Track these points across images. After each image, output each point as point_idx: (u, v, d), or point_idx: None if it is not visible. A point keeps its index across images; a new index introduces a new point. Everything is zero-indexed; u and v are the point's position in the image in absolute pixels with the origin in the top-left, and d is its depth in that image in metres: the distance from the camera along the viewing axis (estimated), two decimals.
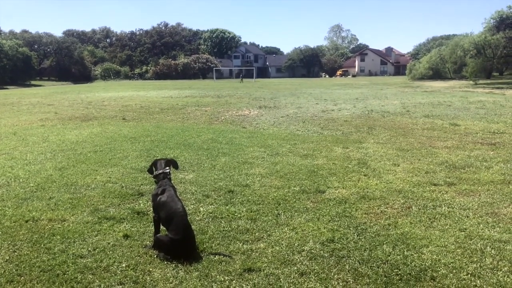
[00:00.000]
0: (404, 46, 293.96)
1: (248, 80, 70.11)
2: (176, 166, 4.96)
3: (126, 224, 5.11)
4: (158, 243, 4.30)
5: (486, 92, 28.84)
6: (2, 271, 3.99)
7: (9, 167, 8.04)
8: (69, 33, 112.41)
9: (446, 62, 53.95)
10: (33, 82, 71.57)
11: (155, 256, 4.23)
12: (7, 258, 4.25)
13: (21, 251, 4.41)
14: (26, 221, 5.20)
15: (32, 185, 6.80)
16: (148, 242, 4.53)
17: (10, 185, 6.82)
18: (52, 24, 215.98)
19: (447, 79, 54.26)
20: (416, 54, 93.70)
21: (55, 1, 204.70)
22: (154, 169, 4.83)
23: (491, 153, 8.85)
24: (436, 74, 57.71)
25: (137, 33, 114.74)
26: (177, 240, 4.12)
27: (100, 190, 6.48)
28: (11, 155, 9.17)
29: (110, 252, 4.35)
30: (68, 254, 4.31)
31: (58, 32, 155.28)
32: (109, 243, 4.56)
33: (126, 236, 4.71)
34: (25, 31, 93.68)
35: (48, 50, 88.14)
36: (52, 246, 4.50)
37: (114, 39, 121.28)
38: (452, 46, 49.78)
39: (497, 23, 38.10)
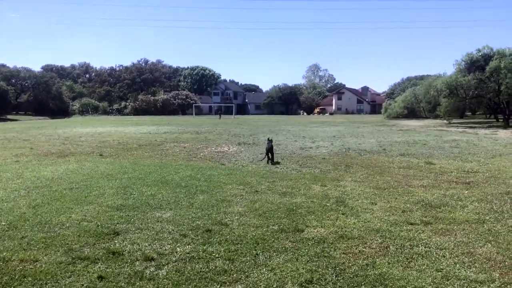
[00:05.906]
0: (380, 85, 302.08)
1: (228, 117, 70.50)
2: None
3: (101, 264, 4.99)
4: None
5: (460, 131, 29.62)
6: None
7: None
8: (47, 68, 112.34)
9: (420, 102, 55.47)
10: (9, 117, 70.36)
11: None
12: None
13: None
14: None
15: (3, 223, 6.61)
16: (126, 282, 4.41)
17: None
18: (31, 59, 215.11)
19: (422, 118, 55.72)
20: (391, 94, 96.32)
21: (34, 36, 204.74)
22: None
23: (466, 192, 9.02)
24: (411, 113, 59.43)
25: (117, 69, 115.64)
26: None
27: (75, 229, 6.33)
28: None
29: None
30: None
31: (37, 67, 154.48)
32: (82, 285, 4.43)
33: (100, 278, 4.59)
34: (2, 66, 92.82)
35: (26, 84, 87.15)
36: None
37: (93, 74, 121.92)
38: (426, 86, 51.37)
39: (467, 65, 39.38)
